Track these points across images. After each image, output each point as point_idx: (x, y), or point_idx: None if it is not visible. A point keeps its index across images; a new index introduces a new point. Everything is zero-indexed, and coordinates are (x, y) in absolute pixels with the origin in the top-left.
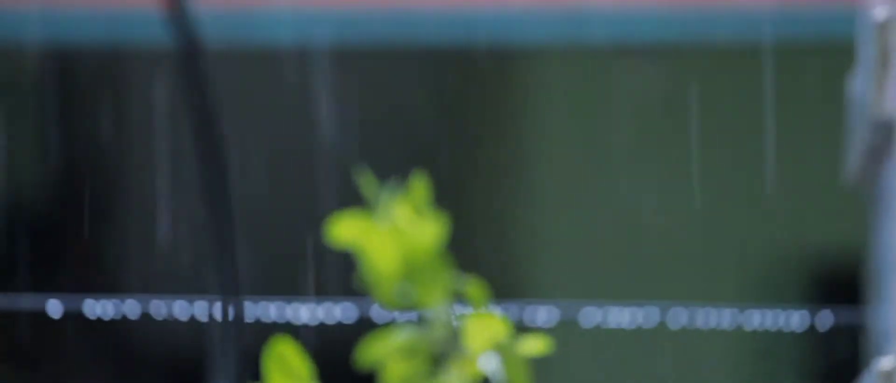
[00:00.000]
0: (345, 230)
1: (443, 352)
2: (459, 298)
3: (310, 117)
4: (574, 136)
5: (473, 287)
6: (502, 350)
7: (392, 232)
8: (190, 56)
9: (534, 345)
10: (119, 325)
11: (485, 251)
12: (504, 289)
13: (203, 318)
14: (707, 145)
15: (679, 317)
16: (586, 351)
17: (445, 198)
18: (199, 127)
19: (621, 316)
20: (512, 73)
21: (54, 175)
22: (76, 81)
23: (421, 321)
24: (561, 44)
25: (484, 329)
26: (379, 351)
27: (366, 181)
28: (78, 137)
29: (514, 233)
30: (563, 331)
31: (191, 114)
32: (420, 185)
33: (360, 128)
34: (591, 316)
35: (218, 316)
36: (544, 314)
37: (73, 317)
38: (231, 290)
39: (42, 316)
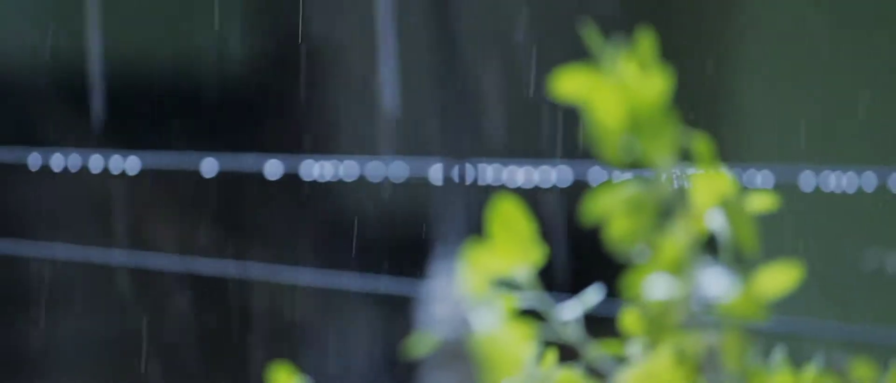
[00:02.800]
0: (569, 84)
1: (669, 208)
2: (685, 155)
3: None
4: (786, 3)
5: (700, 143)
6: (729, 207)
7: (618, 86)
8: None
9: (761, 202)
10: (335, 187)
11: (703, 113)
12: (722, 152)
13: (424, 179)
14: None
15: None
16: (804, 215)
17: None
18: None
19: (839, 181)
20: None
21: (275, 40)
22: None
23: (645, 177)
24: None
25: (710, 185)
26: (604, 206)
27: (590, 35)
28: (298, 5)
29: (731, 96)
30: (781, 196)
31: None
32: (646, 40)
33: None
34: (808, 180)
35: (442, 176)
36: (761, 178)
37: (291, 179)
38: (458, 151)
39: (260, 177)
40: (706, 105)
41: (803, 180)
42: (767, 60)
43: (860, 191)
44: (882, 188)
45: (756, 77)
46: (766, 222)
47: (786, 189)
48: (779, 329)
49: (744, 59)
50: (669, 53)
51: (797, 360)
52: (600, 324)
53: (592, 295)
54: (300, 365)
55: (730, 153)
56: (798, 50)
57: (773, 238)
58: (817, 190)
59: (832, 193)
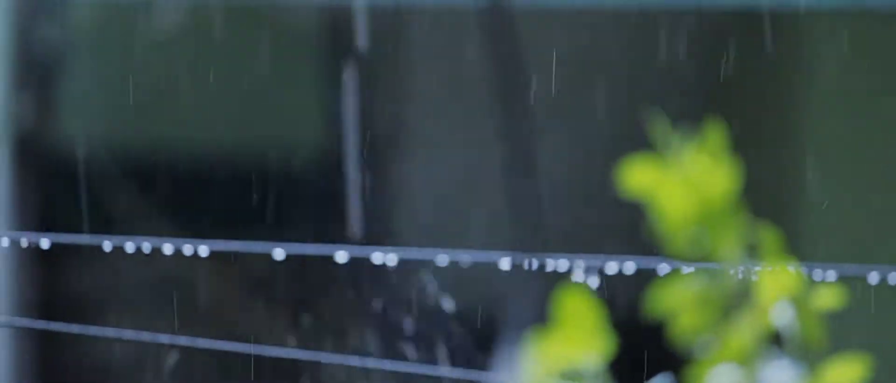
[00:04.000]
0: (636, 176)
1: (734, 302)
2: (752, 250)
3: (603, 71)
4: (853, 100)
5: (768, 237)
6: (795, 301)
7: (686, 178)
8: (497, 12)
9: (828, 298)
10: (401, 272)
11: (772, 207)
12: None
13: (494, 268)
14: None
15: None
16: (867, 309)
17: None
18: (504, 82)
19: None
20: (794, 33)
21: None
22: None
23: (712, 271)
24: (843, 5)
25: (777, 279)
26: (670, 299)
27: (658, 126)
28: (366, 87)
29: (792, 196)
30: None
31: (495, 69)
32: (715, 130)
33: (648, 84)
34: (874, 277)
35: (513, 266)
36: (828, 274)
37: (357, 266)
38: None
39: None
40: (775, 199)
41: (871, 277)
42: (836, 155)
43: None
44: None
45: (825, 172)
46: (833, 318)
47: (853, 284)
48: None
49: (813, 152)
50: (738, 146)
51: None
52: None
53: None
54: None
55: (798, 249)
56: (866, 146)
57: (840, 334)
58: (884, 283)
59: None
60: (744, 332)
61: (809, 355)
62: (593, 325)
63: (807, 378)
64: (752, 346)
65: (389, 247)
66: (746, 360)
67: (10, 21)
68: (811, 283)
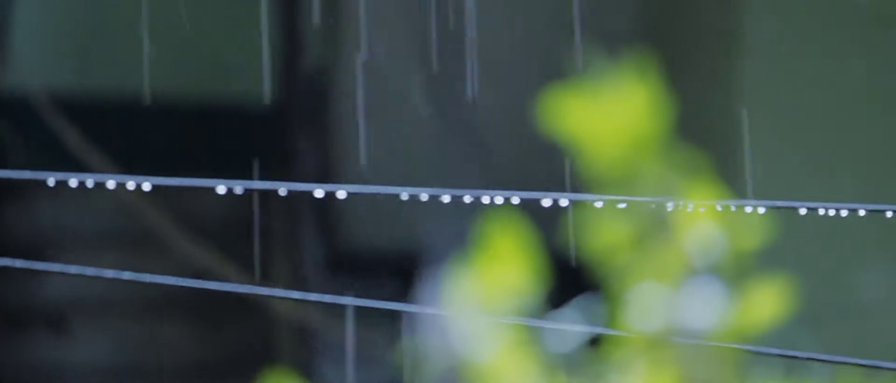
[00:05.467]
0: (563, 107)
1: (662, 231)
2: (681, 180)
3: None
4: (791, 25)
5: (697, 168)
6: (723, 233)
7: (613, 108)
8: None
9: (756, 230)
10: (335, 206)
11: (702, 139)
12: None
13: (434, 203)
14: None
15: None
16: (799, 242)
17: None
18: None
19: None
20: None
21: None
22: None
23: (640, 200)
24: None
25: (705, 209)
26: (597, 228)
27: (587, 53)
28: None
29: (725, 127)
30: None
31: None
32: (645, 57)
33: (577, 9)
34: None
35: (451, 201)
36: (757, 208)
37: (298, 198)
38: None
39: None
40: (706, 131)
41: (800, 210)
42: (771, 87)
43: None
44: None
45: (758, 103)
46: (760, 249)
47: (781, 216)
48: (769, 353)
49: (746, 82)
50: (671, 75)
51: None
52: (591, 346)
53: (584, 315)
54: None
55: (728, 181)
56: (803, 77)
57: (766, 263)
58: (813, 214)
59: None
60: (670, 261)
61: (734, 282)
62: (522, 253)
63: (729, 301)
64: (678, 275)
65: (332, 184)
66: (672, 289)
67: None
68: (740, 215)
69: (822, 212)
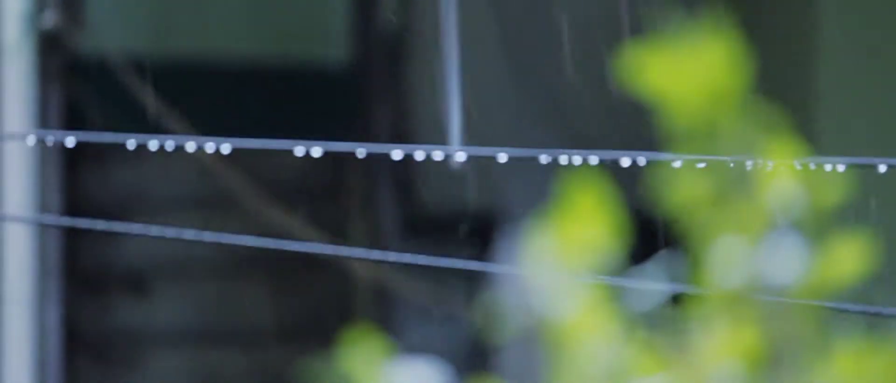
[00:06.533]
0: (641, 65)
1: (743, 188)
2: (761, 138)
3: None
4: None
5: (777, 126)
6: (803, 190)
7: (692, 66)
8: None
9: (836, 187)
10: (411, 169)
11: (783, 96)
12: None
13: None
14: None
15: None
16: (877, 199)
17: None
18: None
19: None
20: None
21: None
22: None
23: (720, 158)
24: None
25: (786, 169)
26: (678, 185)
27: (664, 10)
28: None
29: (804, 85)
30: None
31: None
32: (723, 13)
33: None
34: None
35: (529, 161)
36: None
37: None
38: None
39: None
40: (786, 88)
41: (880, 167)
42: (851, 48)
43: None
44: None
45: (839, 64)
46: (841, 206)
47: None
48: (852, 308)
49: (827, 45)
50: (750, 34)
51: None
52: (674, 301)
53: (664, 273)
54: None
55: (808, 138)
56: (883, 38)
57: (848, 221)
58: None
59: None
60: (749, 216)
61: (814, 239)
62: (603, 212)
63: (810, 256)
64: (756, 227)
65: (408, 145)
66: (753, 244)
67: None
68: (819, 172)
69: None
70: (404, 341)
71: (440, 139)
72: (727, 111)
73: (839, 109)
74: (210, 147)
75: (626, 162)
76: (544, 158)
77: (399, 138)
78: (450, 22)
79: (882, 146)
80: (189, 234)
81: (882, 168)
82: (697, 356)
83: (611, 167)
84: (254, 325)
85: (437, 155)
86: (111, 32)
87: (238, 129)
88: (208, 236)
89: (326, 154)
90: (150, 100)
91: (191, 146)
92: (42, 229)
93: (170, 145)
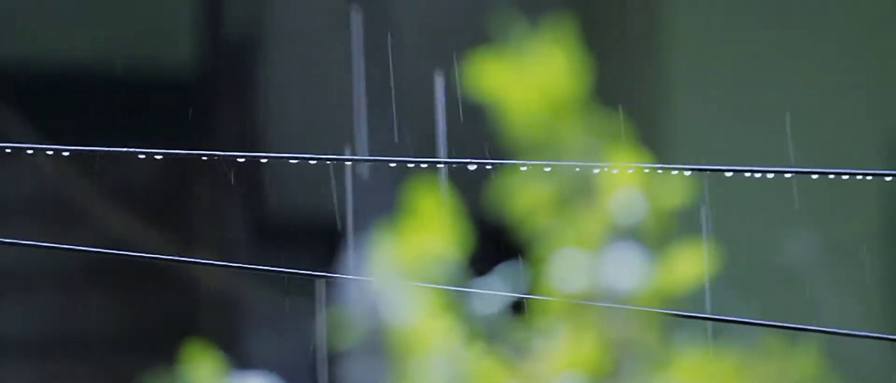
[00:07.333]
0: (483, 72)
1: (584, 193)
2: (602, 142)
3: None
4: None
5: (617, 129)
6: (644, 195)
7: (533, 72)
8: None
9: (677, 192)
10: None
11: (624, 102)
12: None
13: (356, 168)
14: None
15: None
16: (725, 201)
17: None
18: None
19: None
20: None
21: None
22: None
23: (560, 163)
24: None
25: (626, 173)
26: (518, 191)
27: (506, 19)
28: None
29: (646, 91)
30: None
31: None
32: (565, 23)
33: None
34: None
35: (373, 167)
36: (679, 172)
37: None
38: (379, 144)
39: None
40: (627, 95)
41: (726, 173)
42: (694, 56)
43: (779, 179)
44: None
45: (684, 71)
46: (682, 210)
47: (704, 179)
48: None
49: (669, 51)
50: (591, 40)
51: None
52: (516, 308)
53: (508, 278)
54: (221, 347)
55: (649, 143)
56: (724, 44)
57: (688, 226)
58: (735, 177)
59: (750, 179)
60: (593, 223)
61: (656, 245)
62: (445, 218)
63: (651, 264)
64: (598, 235)
65: (255, 153)
66: (594, 251)
67: None
68: (663, 179)
69: (747, 175)
70: (249, 349)
71: (288, 145)
72: (568, 118)
73: (684, 116)
74: (49, 152)
75: (472, 168)
76: (392, 164)
77: (247, 144)
78: (300, 26)
79: (728, 153)
80: (28, 243)
81: (728, 174)
82: (539, 363)
83: (457, 174)
84: (96, 335)
85: (291, 161)
86: None
87: (81, 134)
88: (47, 245)
89: (173, 160)
90: None
91: (29, 151)
92: None
93: (7, 150)
